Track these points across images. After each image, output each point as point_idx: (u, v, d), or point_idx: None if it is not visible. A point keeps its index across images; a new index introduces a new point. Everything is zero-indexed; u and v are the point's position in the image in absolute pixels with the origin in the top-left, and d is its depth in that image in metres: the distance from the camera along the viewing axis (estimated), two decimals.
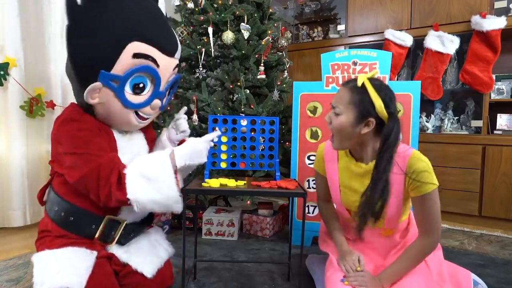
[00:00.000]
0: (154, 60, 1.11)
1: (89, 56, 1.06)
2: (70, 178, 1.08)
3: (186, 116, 1.36)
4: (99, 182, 1.03)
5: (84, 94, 1.07)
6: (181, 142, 1.35)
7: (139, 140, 1.29)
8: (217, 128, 1.34)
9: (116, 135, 1.20)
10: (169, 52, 1.16)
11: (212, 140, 1.23)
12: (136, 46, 1.07)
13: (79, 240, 1.13)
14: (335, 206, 1.38)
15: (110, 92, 1.09)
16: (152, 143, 1.35)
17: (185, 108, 1.39)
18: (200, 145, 1.19)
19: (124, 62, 1.07)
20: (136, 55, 1.07)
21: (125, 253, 1.18)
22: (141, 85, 1.14)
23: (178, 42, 1.23)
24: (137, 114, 1.18)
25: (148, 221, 1.32)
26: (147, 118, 1.23)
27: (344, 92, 1.10)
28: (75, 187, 1.09)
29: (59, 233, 1.14)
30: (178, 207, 1.10)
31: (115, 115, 1.15)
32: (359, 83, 1.07)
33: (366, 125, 1.07)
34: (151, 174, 1.06)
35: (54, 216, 1.15)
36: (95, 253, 1.11)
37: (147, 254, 1.22)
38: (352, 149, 1.17)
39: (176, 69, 1.25)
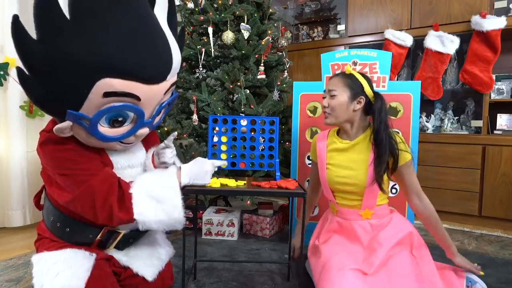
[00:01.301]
0: (132, 95, 0.94)
1: (51, 97, 0.91)
2: (60, 199, 1.03)
3: (173, 147, 1.21)
4: (95, 203, 0.98)
5: (54, 130, 0.95)
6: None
7: (137, 152, 1.19)
8: (225, 163, 1.33)
9: (110, 152, 1.11)
10: (156, 79, 0.98)
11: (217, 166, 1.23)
12: (107, 84, 0.89)
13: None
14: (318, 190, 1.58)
15: (82, 129, 0.96)
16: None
17: (174, 134, 1.21)
18: (207, 167, 1.17)
19: (94, 101, 0.91)
20: (108, 94, 0.90)
21: (125, 256, 1.17)
22: (120, 119, 0.99)
23: (175, 57, 1.02)
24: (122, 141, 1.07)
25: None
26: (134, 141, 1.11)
27: (337, 79, 1.32)
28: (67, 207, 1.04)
29: (56, 238, 1.12)
30: (180, 227, 1.08)
31: (94, 145, 1.03)
32: (347, 72, 1.33)
33: (358, 102, 1.28)
34: (159, 195, 1.04)
35: (50, 226, 1.13)
36: (94, 255, 1.10)
37: (147, 257, 1.21)
38: (342, 128, 1.35)
39: (172, 88, 1.09)
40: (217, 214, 2.04)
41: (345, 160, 1.32)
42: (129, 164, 1.15)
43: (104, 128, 0.98)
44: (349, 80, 1.29)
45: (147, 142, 1.24)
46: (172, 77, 1.05)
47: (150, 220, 1.02)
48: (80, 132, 0.98)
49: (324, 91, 1.36)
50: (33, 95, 0.91)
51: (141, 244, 1.25)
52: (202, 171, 1.15)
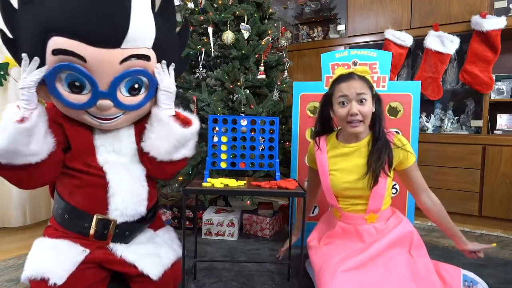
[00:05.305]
0: (76, 55, 0.97)
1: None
2: None
3: (165, 70, 1.13)
4: None
5: None
6: (186, 120, 1.22)
7: (124, 136, 1.23)
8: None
9: (98, 132, 1.19)
10: (105, 42, 0.98)
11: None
12: (54, 42, 0.96)
13: (76, 236, 1.16)
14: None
15: (52, 95, 1.05)
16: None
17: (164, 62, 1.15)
18: None
19: (48, 60, 1.00)
20: (55, 52, 0.97)
21: (133, 254, 1.18)
22: (76, 84, 1.03)
23: (135, 27, 1.00)
24: (92, 115, 1.10)
25: (144, 221, 1.28)
26: (112, 118, 1.12)
27: (359, 81, 1.22)
28: None
29: (59, 228, 1.18)
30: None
31: (69, 114, 1.11)
32: (359, 72, 1.26)
33: (373, 104, 1.25)
34: None
35: (55, 213, 1.20)
36: (87, 251, 1.13)
37: (155, 257, 1.21)
38: (357, 133, 1.27)
39: (138, 63, 1.05)
40: (217, 214, 2.04)
41: (349, 165, 1.28)
42: (114, 149, 1.19)
43: (65, 93, 1.05)
44: (368, 83, 1.24)
45: (138, 129, 1.25)
46: (131, 48, 1.02)
47: None
48: (50, 95, 1.07)
49: (329, 94, 1.29)
50: (14, 56, 1.06)
51: (150, 243, 1.27)
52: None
